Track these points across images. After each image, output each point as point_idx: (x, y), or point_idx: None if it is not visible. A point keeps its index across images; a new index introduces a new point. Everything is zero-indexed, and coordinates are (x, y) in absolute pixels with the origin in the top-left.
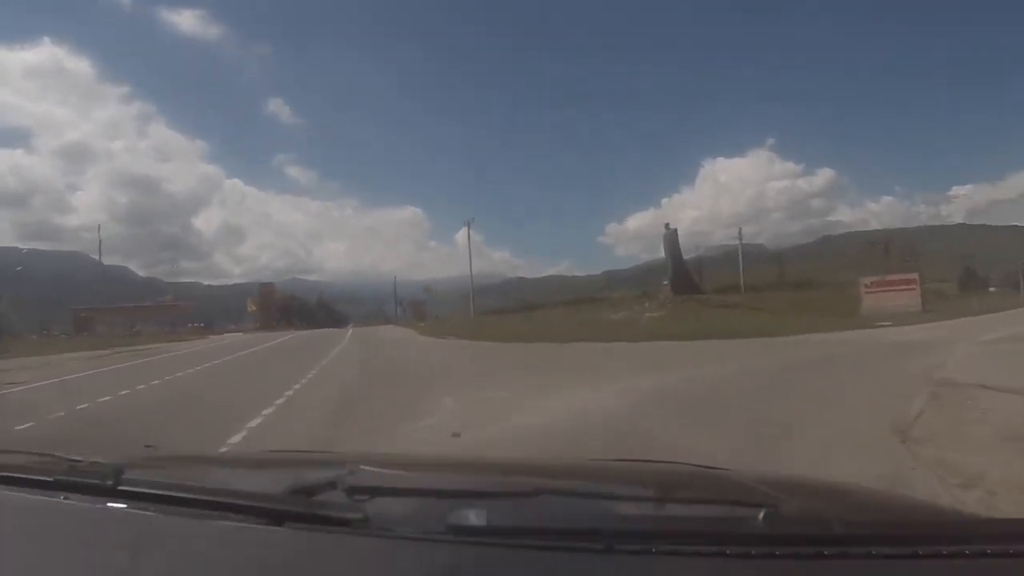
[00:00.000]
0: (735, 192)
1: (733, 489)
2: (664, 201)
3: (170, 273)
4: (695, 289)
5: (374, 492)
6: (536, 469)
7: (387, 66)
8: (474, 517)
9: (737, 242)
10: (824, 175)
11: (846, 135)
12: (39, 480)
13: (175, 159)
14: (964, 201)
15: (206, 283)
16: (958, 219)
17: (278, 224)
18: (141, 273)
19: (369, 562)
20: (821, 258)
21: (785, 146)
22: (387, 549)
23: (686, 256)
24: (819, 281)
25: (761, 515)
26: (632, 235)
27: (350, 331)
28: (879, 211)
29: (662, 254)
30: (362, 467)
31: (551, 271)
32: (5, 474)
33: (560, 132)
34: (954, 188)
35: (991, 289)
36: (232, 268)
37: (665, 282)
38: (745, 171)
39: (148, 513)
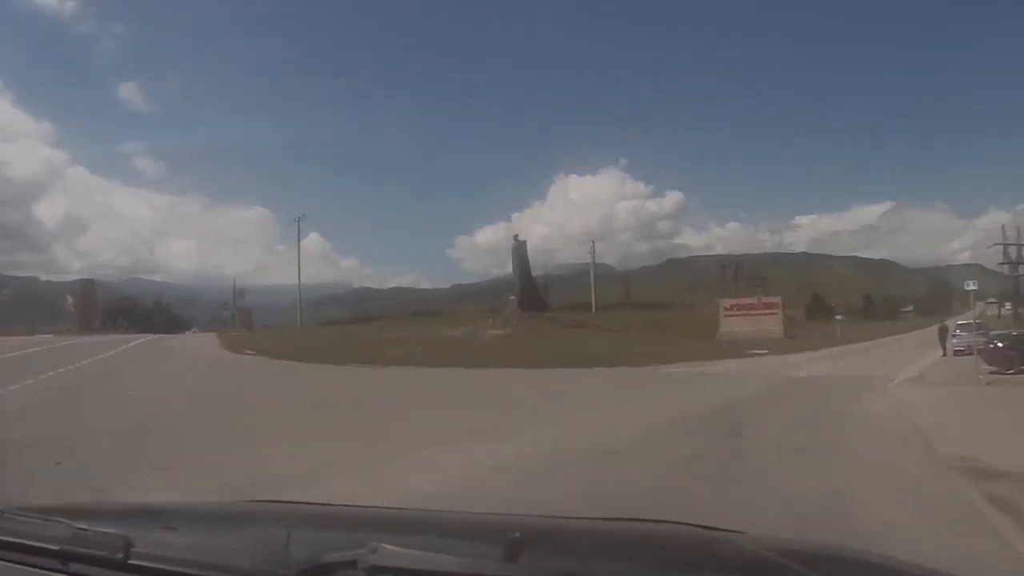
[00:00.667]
0: (585, 210)
1: (745, 559)
2: (515, 216)
3: (7, 266)
4: (543, 306)
5: (396, 575)
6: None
7: (246, 60)
8: None
9: (586, 260)
10: (673, 198)
11: (696, 160)
12: (43, 549)
13: (18, 140)
14: (807, 230)
15: (44, 278)
16: (801, 248)
17: (123, 218)
18: None
19: None
20: (667, 280)
21: (637, 167)
22: None
23: (534, 273)
24: (667, 302)
25: None
26: (482, 249)
27: (143, 340)
28: (725, 236)
29: (511, 269)
30: (384, 546)
31: (399, 282)
32: (5, 538)
33: (414, 140)
34: (798, 217)
35: (838, 317)
36: (72, 263)
37: (512, 297)
38: (596, 190)
39: None
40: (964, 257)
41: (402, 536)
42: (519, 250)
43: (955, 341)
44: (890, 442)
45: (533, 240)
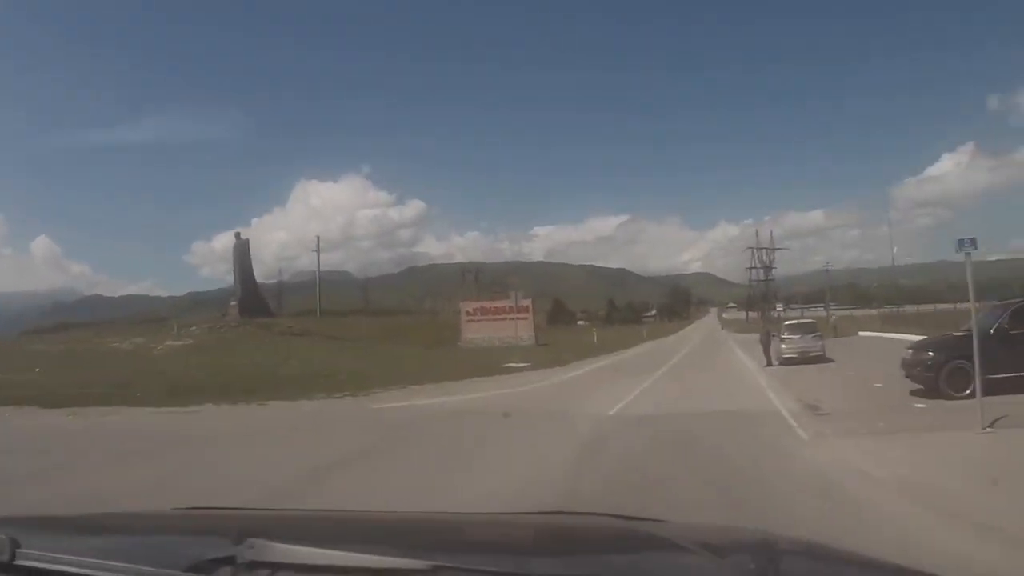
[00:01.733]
0: (326, 217)
1: (663, 546)
2: (255, 221)
3: None
4: (266, 311)
5: (275, 569)
6: (448, 526)
7: None
8: None
9: (330, 268)
10: (415, 206)
11: (437, 169)
12: None
13: None
14: (545, 240)
15: None
16: (539, 257)
17: None
18: None
19: None
20: (408, 288)
21: (380, 175)
22: None
23: (272, 280)
24: (408, 309)
25: None
26: (219, 255)
27: None
28: (465, 245)
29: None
30: (261, 541)
31: (133, 289)
32: None
33: (153, 140)
34: (536, 228)
35: (580, 322)
36: None
37: (233, 303)
38: (338, 196)
39: None
40: (696, 267)
41: (284, 533)
42: (240, 249)
43: (784, 347)
44: None
45: (272, 247)
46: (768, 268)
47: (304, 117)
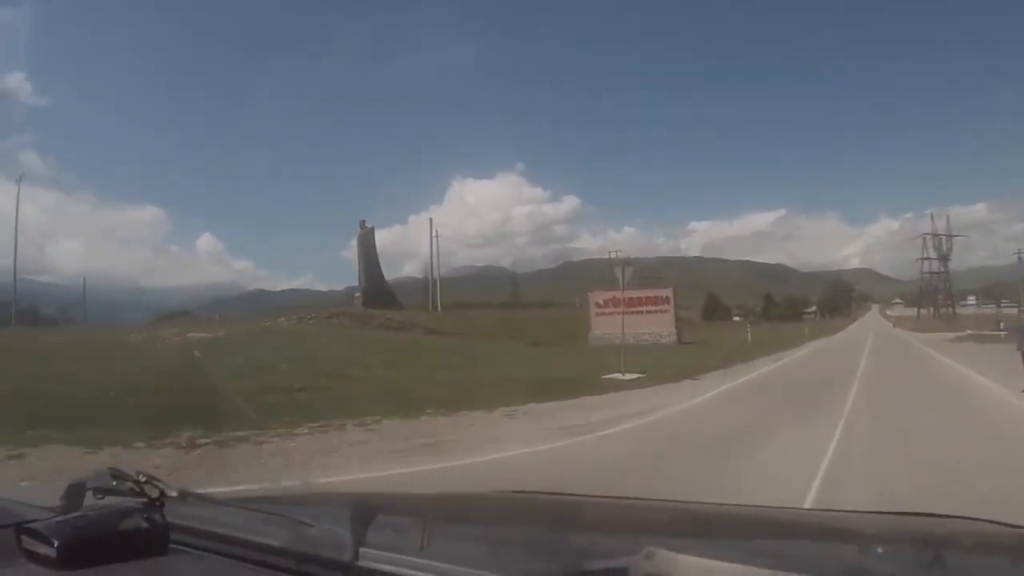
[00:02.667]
0: (482, 213)
1: None
2: (411, 218)
3: None
4: (391, 302)
5: None
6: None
7: (140, 55)
8: None
9: (482, 263)
10: (569, 202)
11: (593, 165)
12: (264, 545)
13: None
14: (701, 236)
15: None
16: (695, 252)
17: (5, 216)
18: None
19: None
20: (563, 283)
21: (534, 172)
22: None
23: (424, 276)
24: (559, 303)
25: None
26: (378, 251)
27: None
28: (621, 240)
29: (407, 271)
30: (661, 551)
31: (294, 284)
32: (223, 531)
33: (312, 141)
34: (692, 223)
35: (735, 318)
36: None
37: (357, 294)
38: (493, 193)
39: None
40: (855, 262)
41: (680, 539)
42: (365, 240)
43: None
44: None
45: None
46: (945, 258)
47: (460, 116)
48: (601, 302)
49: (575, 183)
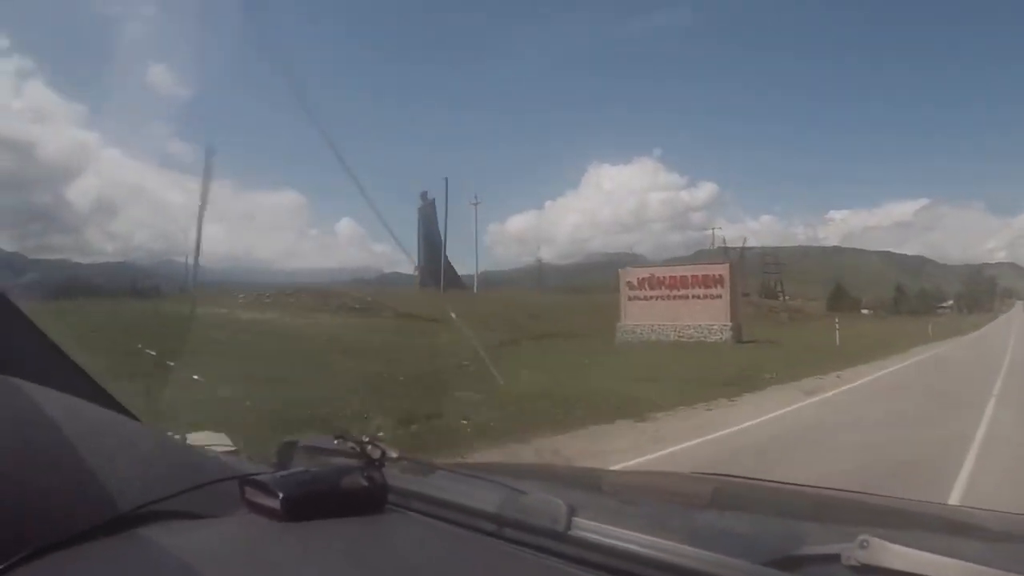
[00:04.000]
0: (618, 200)
1: None
2: (547, 204)
3: (36, 249)
4: (455, 282)
5: None
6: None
7: (278, 41)
8: None
9: (618, 250)
10: (707, 189)
11: (731, 152)
12: (478, 511)
13: (50, 122)
14: (840, 225)
15: (75, 260)
16: (833, 242)
17: (154, 201)
18: (7, 247)
19: None
20: None
21: (671, 157)
22: None
23: (566, 261)
24: None
25: None
26: (512, 237)
27: None
28: (758, 229)
29: (542, 256)
30: (876, 540)
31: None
32: (441, 496)
33: (446, 128)
34: (831, 212)
35: (864, 311)
36: (105, 245)
37: (415, 272)
38: (630, 179)
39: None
40: (1000, 256)
41: (893, 530)
42: (425, 212)
43: None
44: None
45: (565, 229)
46: None
47: (596, 101)
48: (635, 282)
49: (713, 169)
